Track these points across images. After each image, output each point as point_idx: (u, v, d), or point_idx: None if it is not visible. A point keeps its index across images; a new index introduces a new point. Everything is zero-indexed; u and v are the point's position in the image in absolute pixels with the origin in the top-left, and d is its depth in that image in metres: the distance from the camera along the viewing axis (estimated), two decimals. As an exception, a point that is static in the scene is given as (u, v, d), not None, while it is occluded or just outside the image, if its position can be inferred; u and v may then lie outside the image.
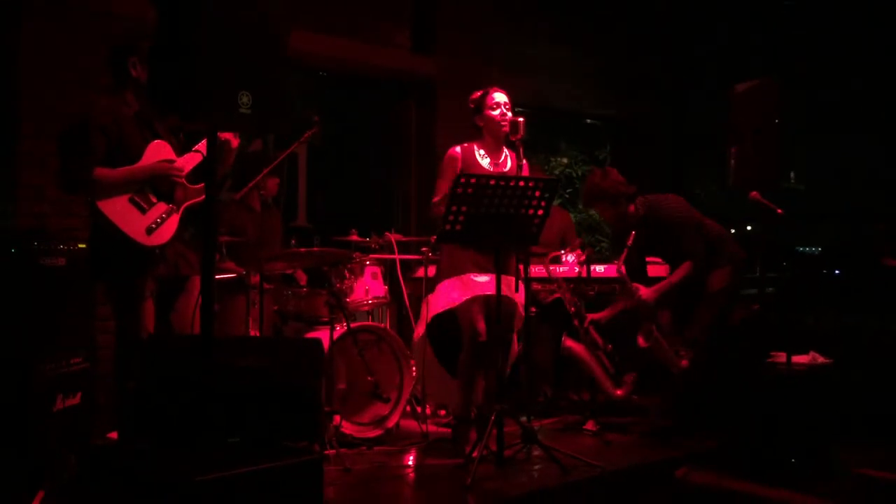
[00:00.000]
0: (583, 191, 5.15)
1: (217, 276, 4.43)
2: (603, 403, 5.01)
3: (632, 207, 4.94)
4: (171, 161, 4.05)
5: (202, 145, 4.10)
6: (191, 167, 4.11)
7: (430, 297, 4.51)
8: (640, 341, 4.81)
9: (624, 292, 4.91)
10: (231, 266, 4.87)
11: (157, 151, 4.05)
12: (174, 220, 4.03)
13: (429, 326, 4.62)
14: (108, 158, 3.93)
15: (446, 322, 4.55)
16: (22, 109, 5.21)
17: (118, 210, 3.87)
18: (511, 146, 4.46)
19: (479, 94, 4.51)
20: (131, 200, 3.92)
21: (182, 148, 4.18)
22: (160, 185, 4.02)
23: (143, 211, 3.94)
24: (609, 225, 5.08)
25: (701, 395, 4.84)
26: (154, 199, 3.99)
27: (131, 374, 3.69)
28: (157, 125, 4.11)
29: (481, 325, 4.30)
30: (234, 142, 4.17)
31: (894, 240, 7.92)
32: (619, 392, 4.93)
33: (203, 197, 3.99)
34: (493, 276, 4.12)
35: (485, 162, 4.45)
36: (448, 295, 4.36)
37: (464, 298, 4.30)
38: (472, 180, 3.89)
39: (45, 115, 5.23)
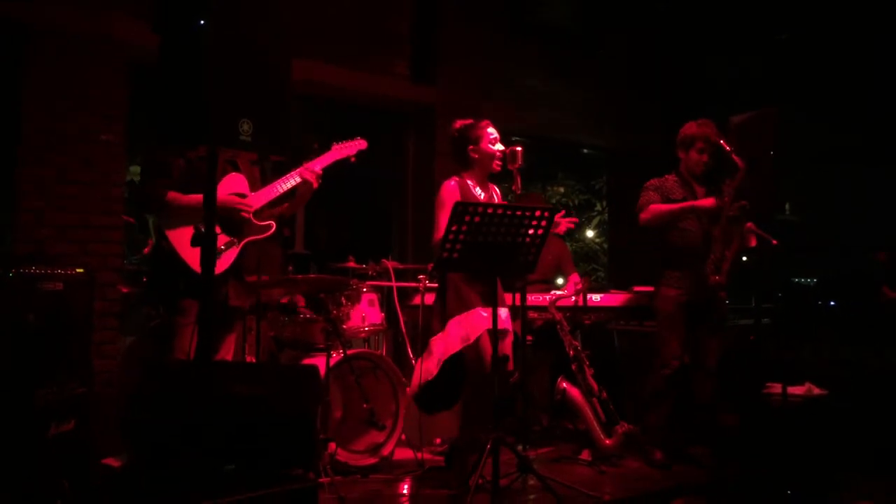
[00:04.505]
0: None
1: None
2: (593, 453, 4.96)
3: None
4: (243, 195, 4.06)
5: (312, 164, 4.26)
6: (261, 204, 4.10)
7: (440, 336, 4.35)
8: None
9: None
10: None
11: (231, 184, 4.06)
12: (232, 254, 4.01)
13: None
14: (183, 184, 3.92)
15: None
16: (22, 133, 5.23)
17: (183, 239, 3.86)
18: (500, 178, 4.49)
19: (465, 123, 4.48)
20: (197, 229, 3.91)
21: (263, 181, 4.20)
22: (227, 217, 3.99)
23: None
24: (695, 173, 5.00)
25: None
26: (218, 230, 3.97)
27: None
28: (238, 158, 4.11)
29: (489, 359, 4.28)
30: (315, 184, 4.24)
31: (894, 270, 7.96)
32: (608, 442, 4.89)
33: (268, 234, 4.08)
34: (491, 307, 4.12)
35: (481, 195, 4.47)
36: (460, 334, 4.28)
37: (475, 336, 4.24)
38: (471, 208, 3.91)
39: (45, 138, 5.25)
